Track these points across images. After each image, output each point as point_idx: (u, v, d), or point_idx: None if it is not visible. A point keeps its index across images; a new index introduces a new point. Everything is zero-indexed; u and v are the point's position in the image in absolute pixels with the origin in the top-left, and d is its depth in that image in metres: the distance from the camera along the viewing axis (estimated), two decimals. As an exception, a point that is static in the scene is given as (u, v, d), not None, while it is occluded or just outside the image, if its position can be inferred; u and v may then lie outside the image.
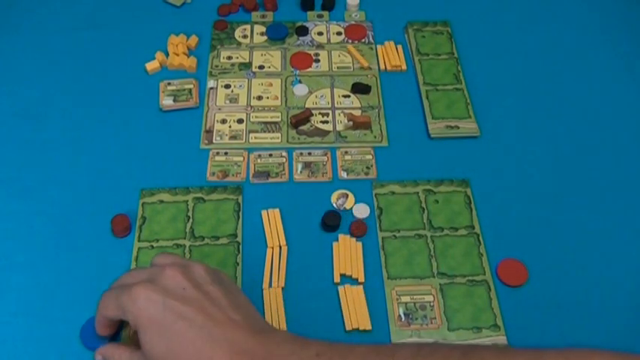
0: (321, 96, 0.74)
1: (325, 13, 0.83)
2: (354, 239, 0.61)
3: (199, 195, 0.64)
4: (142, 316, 0.43)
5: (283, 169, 0.67)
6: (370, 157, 0.68)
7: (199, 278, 0.46)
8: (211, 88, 0.74)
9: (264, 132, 0.70)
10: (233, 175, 0.66)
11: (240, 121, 0.71)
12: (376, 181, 0.66)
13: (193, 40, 0.78)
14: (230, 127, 0.70)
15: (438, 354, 0.41)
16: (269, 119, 0.71)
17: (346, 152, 0.69)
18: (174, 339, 0.42)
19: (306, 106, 0.73)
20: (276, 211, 0.63)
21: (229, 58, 0.77)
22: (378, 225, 0.63)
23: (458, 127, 0.71)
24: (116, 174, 0.66)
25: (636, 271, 0.60)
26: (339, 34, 0.81)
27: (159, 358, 0.42)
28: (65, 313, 0.56)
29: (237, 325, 0.43)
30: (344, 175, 0.67)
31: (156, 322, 0.43)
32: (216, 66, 0.76)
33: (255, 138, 0.69)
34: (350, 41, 0.80)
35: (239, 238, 0.61)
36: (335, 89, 0.74)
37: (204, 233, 0.61)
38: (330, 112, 0.72)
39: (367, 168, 0.67)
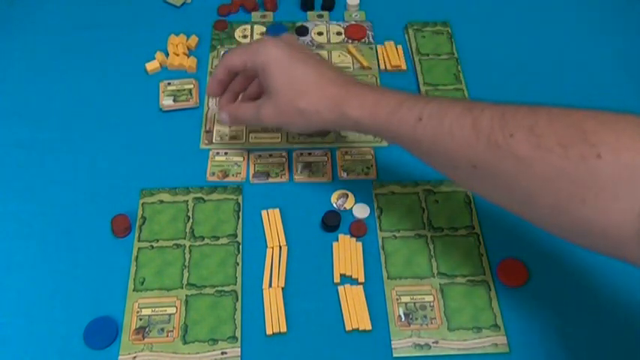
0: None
1: (325, 14, 0.83)
2: (354, 239, 0.61)
3: (199, 195, 0.64)
4: (270, 57, 0.57)
5: (283, 169, 0.67)
6: (370, 157, 0.68)
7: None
8: (211, 88, 0.74)
9: (264, 132, 0.70)
10: (233, 175, 0.66)
11: (240, 121, 0.71)
12: (376, 181, 0.66)
13: (193, 40, 0.78)
14: (230, 127, 0.70)
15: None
16: (269, 119, 0.71)
17: (346, 152, 0.69)
18: (293, 73, 0.56)
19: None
20: (276, 211, 0.63)
21: (229, 58, 0.77)
22: (378, 225, 0.63)
23: (458, 127, 0.70)
24: (116, 174, 0.66)
25: (636, 270, 0.60)
26: (339, 34, 0.81)
27: (281, 87, 0.57)
28: (65, 313, 0.56)
29: (334, 68, 0.59)
30: (344, 175, 0.67)
31: (280, 61, 0.57)
32: (217, 66, 0.76)
33: (255, 138, 0.69)
34: (350, 41, 0.80)
35: (239, 238, 0.61)
36: (335, 89, 0.74)
37: (204, 233, 0.61)
38: (330, 112, 0.72)
39: (367, 168, 0.67)
